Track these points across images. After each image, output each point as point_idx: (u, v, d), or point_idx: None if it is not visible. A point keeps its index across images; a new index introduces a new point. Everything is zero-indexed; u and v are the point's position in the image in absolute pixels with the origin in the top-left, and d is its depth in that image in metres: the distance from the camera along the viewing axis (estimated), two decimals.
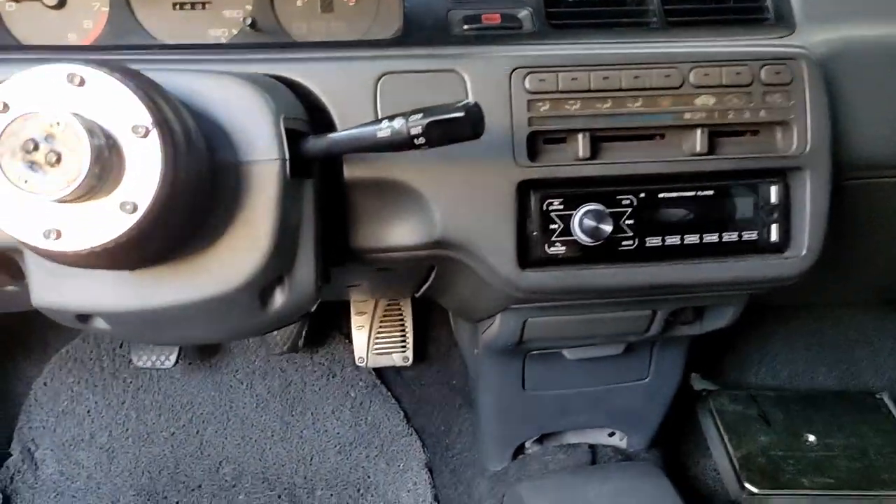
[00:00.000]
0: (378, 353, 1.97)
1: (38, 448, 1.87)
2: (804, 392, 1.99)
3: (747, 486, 1.70)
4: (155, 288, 0.85)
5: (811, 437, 1.81)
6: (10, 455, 1.83)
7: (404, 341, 1.98)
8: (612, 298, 1.20)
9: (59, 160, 0.65)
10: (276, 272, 0.89)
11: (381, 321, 1.97)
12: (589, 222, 1.02)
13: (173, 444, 1.92)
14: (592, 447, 1.65)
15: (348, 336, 2.09)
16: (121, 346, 1.98)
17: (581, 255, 1.06)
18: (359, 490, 1.87)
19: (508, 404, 1.57)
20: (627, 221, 1.05)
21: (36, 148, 0.65)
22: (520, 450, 1.68)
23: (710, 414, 1.88)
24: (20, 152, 0.65)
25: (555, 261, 1.06)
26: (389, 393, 2.06)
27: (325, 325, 2.09)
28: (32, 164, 0.65)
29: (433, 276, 1.27)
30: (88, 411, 1.91)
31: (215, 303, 0.87)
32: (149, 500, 1.79)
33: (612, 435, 1.72)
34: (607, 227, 1.02)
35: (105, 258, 0.74)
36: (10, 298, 1.23)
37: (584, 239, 1.04)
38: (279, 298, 0.92)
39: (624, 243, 1.06)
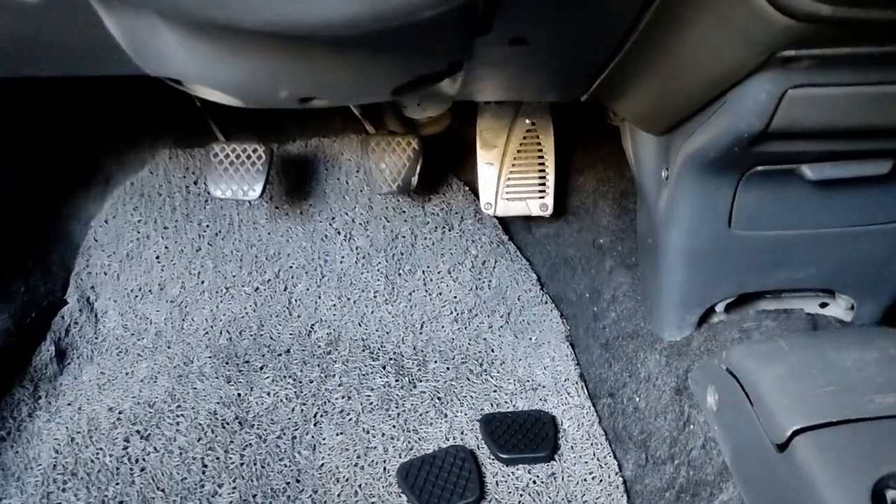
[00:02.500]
0: (509, 199, 1.57)
1: (99, 298, 1.56)
2: None
3: None
4: None
5: None
6: (66, 303, 1.52)
7: (543, 184, 1.56)
8: None
9: None
10: None
11: (516, 158, 1.56)
12: None
13: (257, 301, 1.58)
14: (811, 316, 1.22)
15: (469, 184, 1.70)
16: (195, 183, 1.63)
17: None
18: (481, 364, 1.50)
19: (705, 249, 1.14)
20: None
21: None
22: (705, 318, 1.26)
23: None
24: None
25: None
26: (519, 252, 1.67)
27: (441, 168, 1.69)
28: None
29: (637, 32, 0.84)
30: (157, 257, 1.58)
31: None
32: (227, 363, 1.46)
33: (824, 306, 1.29)
34: None
35: None
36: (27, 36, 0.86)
37: None
38: None
39: None
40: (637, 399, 1.28)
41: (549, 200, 1.56)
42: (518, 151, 1.55)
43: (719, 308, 1.24)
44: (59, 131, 1.62)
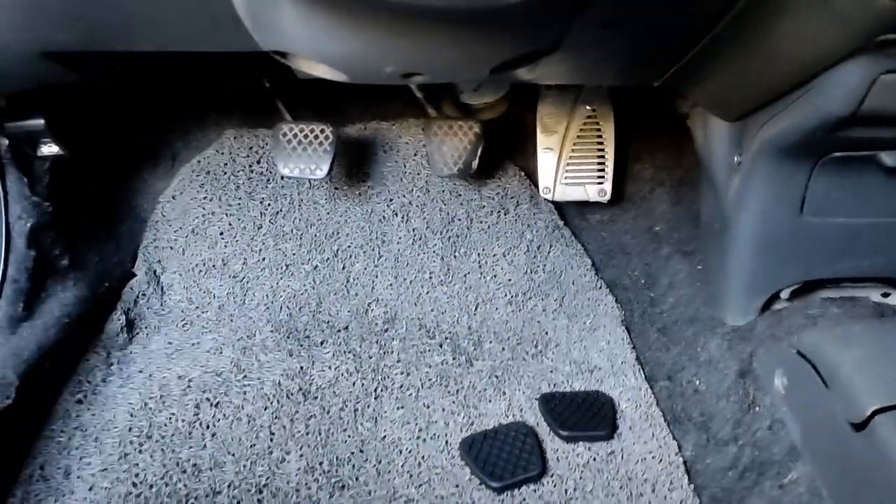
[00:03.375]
0: (568, 184, 1.59)
1: (165, 271, 1.60)
2: None
3: None
4: None
5: None
6: (135, 275, 1.56)
7: (602, 170, 1.58)
8: None
9: None
10: None
11: (575, 144, 1.58)
12: None
13: (315, 279, 1.62)
14: (877, 304, 1.24)
15: (525, 169, 1.72)
16: (258, 162, 1.67)
17: None
18: (536, 346, 1.53)
19: (775, 235, 1.16)
20: None
21: None
22: (768, 304, 1.28)
23: None
24: None
25: None
26: (574, 237, 1.69)
27: (497, 154, 1.71)
28: None
29: (729, 16, 0.86)
30: (221, 234, 1.62)
31: None
32: (288, 337, 1.50)
33: (885, 296, 1.30)
34: None
35: None
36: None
37: None
38: None
39: None
40: (697, 382, 1.30)
41: (608, 186, 1.58)
42: (578, 137, 1.57)
43: (784, 295, 1.26)
44: (129, 108, 1.66)
